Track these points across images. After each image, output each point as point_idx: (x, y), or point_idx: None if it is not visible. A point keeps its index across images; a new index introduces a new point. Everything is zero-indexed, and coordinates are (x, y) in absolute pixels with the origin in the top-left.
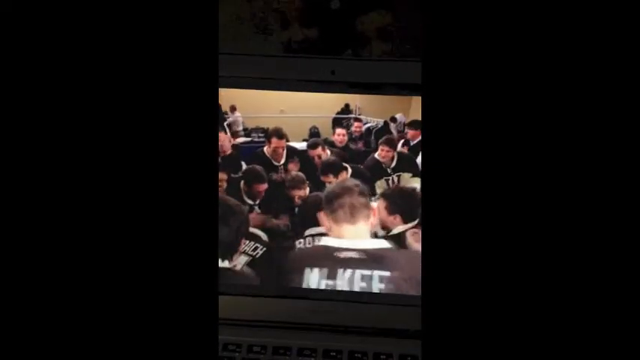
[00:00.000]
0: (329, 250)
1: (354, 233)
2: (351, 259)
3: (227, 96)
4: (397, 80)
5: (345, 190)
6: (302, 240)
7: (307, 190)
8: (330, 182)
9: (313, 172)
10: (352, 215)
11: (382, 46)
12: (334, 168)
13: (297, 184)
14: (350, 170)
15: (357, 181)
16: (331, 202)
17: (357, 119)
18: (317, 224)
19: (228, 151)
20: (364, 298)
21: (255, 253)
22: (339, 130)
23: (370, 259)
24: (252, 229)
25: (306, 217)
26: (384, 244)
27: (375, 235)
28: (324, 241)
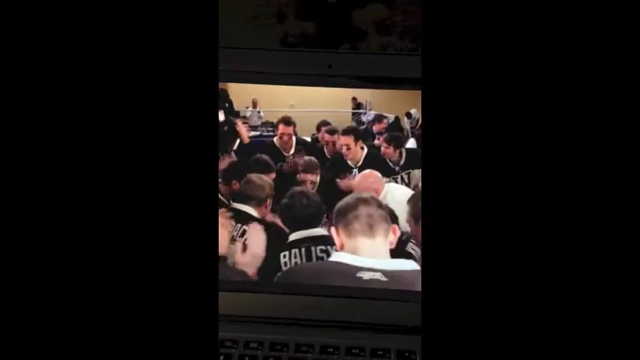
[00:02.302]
0: (345, 269)
1: (373, 250)
2: (372, 280)
3: (240, 91)
4: (395, 74)
5: (360, 202)
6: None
7: (318, 176)
8: (347, 145)
9: (323, 164)
10: (370, 229)
11: (379, 40)
12: (356, 133)
13: (311, 168)
14: (366, 149)
15: (373, 194)
16: (345, 215)
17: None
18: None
19: (246, 140)
20: (362, 293)
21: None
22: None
23: (393, 282)
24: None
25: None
26: (409, 265)
27: (396, 254)
28: (337, 257)
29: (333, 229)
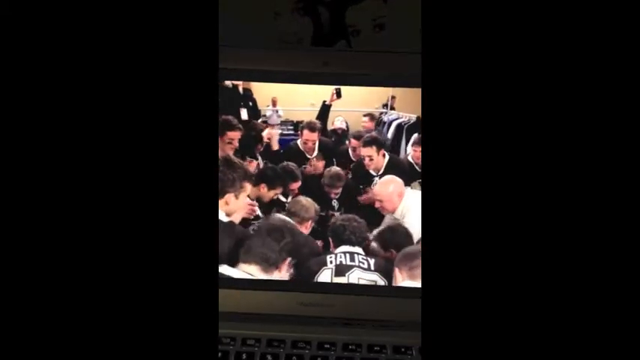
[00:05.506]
0: None
1: None
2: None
3: (263, 90)
4: (391, 72)
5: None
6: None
7: (341, 187)
8: (370, 156)
9: (346, 166)
10: None
11: (375, 37)
12: (378, 142)
13: (334, 181)
14: (388, 157)
15: None
16: (411, 260)
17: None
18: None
19: (275, 147)
20: (358, 290)
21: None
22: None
23: None
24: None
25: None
26: None
27: None
28: None
29: (396, 270)
